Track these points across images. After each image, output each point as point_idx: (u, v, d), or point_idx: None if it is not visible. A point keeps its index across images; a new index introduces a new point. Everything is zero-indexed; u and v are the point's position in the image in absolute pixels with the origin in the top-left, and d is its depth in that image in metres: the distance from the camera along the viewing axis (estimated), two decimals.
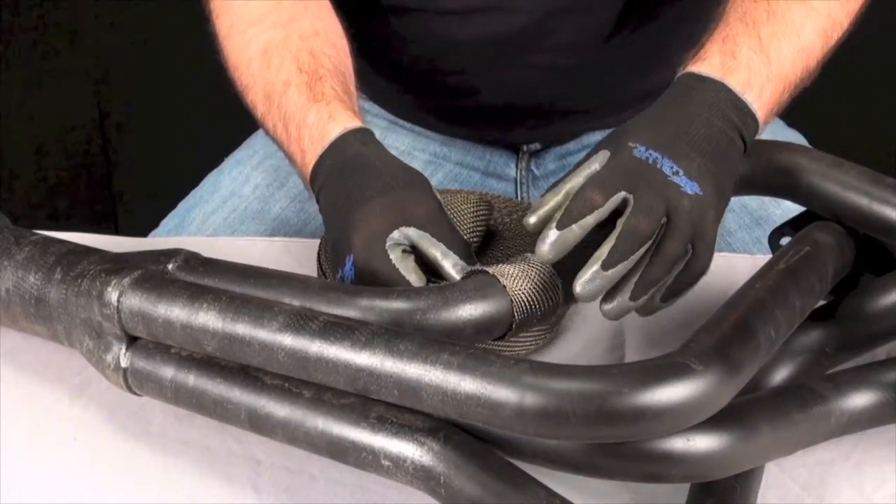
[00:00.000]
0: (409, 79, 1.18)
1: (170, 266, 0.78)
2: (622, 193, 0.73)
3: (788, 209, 0.84)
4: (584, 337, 0.89)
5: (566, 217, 0.72)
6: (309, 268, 0.89)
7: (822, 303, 0.79)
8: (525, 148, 1.20)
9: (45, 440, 0.80)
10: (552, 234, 0.72)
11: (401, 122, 1.22)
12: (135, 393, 0.78)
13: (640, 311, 0.75)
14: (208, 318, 0.71)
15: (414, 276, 0.76)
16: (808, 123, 1.19)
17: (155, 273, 0.76)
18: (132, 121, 2.09)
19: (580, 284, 0.71)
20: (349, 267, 0.78)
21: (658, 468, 0.66)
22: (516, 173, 1.21)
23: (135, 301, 0.74)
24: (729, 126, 0.78)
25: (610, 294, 0.73)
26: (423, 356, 0.65)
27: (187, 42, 1.92)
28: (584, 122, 1.18)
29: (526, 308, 0.73)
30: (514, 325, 0.74)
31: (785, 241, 0.83)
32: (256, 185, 1.16)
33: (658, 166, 0.74)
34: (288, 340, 0.68)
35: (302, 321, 0.68)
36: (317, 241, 0.91)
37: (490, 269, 0.74)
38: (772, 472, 0.75)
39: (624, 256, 0.71)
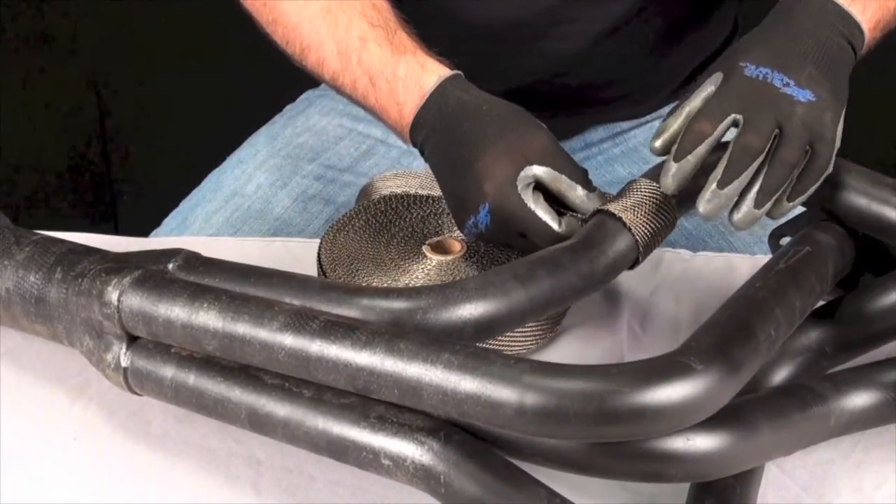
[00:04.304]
0: None
1: (170, 266, 0.78)
2: (731, 117, 0.76)
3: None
4: (583, 337, 0.89)
5: (681, 150, 0.76)
6: (309, 268, 0.89)
7: (821, 303, 0.79)
8: None
9: (45, 440, 0.80)
10: (673, 167, 0.75)
11: None
12: (135, 392, 0.78)
13: (771, 215, 0.77)
14: (209, 318, 0.71)
15: (548, 217, 0.82)
16: None
17: (155, 273, 0.76)
18: (132, 120, 2.09)
19: (702, 204, 0.74)
20: (484, 214, 0.83)
21: (658, 467, 0.66)
22: None
23: (135, 300, 0.74)
24: (836, 34, 0.81)
25: (736, 206, 0.75)
26: (424, 355, 0.65)
27: (188, 41, 1.92)
28: (590, 116, 1.18)
29: (647, 237, 0.78)
30: (640, 258, 0.78)
31: (785, 241, 0.83)
32: (259, 185, 1.16)
33: (769, 80, 0.77)
34: (288, 340, 0.68)
35: (302, 321, 0.69)
36: (317, 242, 0.91)
37: (608, 208, 0.78)
38: (772, 473, 0.75)
39: (737, 173, 0.74)
